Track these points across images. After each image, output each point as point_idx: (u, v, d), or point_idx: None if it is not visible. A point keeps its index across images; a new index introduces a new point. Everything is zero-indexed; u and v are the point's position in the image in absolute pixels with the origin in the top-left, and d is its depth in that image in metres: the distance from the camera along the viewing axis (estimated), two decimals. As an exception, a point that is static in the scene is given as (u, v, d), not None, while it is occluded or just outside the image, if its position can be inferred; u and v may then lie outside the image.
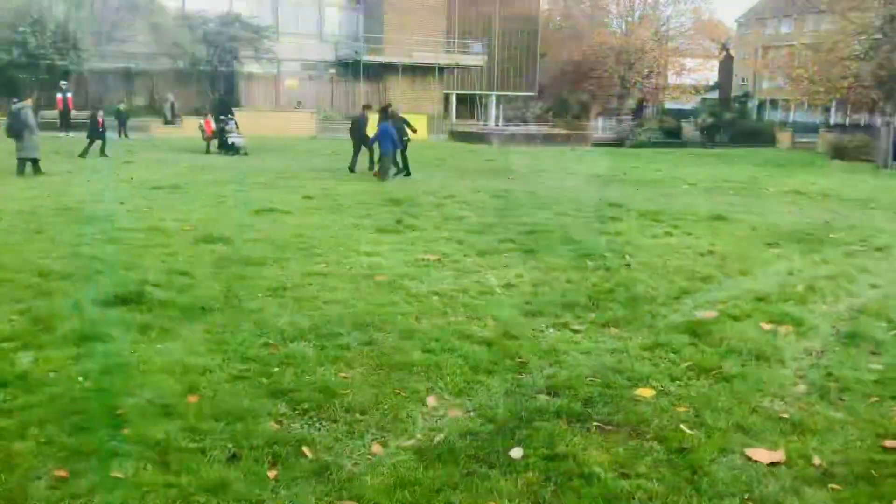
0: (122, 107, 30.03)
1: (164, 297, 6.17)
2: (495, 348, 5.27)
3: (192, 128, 32.37)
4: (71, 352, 4.92)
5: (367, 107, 20.59)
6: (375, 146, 17.12)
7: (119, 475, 3.39)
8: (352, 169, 18.13)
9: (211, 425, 3.92)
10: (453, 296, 6.62)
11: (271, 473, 3.47)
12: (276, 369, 4.71)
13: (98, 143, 20.35)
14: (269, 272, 7.26)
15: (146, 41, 36.44)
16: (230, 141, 22.89)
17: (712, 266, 8.13)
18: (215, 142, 23.34)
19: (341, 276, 7.18)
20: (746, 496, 3.39)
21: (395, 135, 16.33)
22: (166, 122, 32.93)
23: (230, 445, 3.71)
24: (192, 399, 4.23)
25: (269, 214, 10.82)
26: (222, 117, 23.97)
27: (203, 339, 5.25)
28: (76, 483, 3.32)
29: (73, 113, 29.14)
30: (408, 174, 17.41)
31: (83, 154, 19.76)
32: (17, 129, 15.33)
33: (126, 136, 28.58)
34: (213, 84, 38.14)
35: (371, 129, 17.90)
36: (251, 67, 40.20)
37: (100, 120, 20.62)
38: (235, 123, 23.84)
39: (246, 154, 22.51)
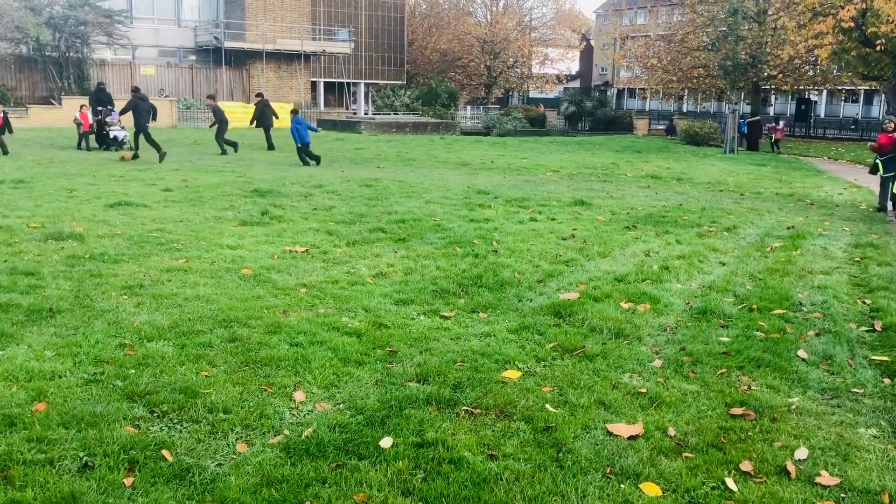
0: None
1: (6, 300, 5.73)
2: (365, 339, 5.22)
3: (40, 118, 30.39)
4: None
5: (258, 95, 24.57)
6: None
7: (-47, 495, 3.12)
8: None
9: (60, 434, 3.67)
10: (322, 287, 6.51)
11: (128, 480, 3.28)
12: (133, 371, 4.47)
13: None
14: (124, 269, 6.89)
15: (-17, 24, 33.71)
16: (112, 134, 21.01)
17: (574, 249, 8.41)
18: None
19: (203, 272, 6.91)
20: (608, 469, 3.51)
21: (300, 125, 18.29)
22: None
23: (82, 454, 3.49)
24: (39, 407, 3.94)
25: (124, 208, 10.27)
26: (101, 109, 21.76)
27: (51, 343, 4.91)
28: None
29: None
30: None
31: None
32: None
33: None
34: (62, 71, 35.81)
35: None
36: (103, 53, 38.04)
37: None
38: (118, 116, 21.51)
39: (130, 148, 20.40)
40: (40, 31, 33.71)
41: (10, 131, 18.97)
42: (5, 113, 19.21)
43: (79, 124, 21.38)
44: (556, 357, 4.99)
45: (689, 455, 3.68)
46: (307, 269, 7.17)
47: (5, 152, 18.05)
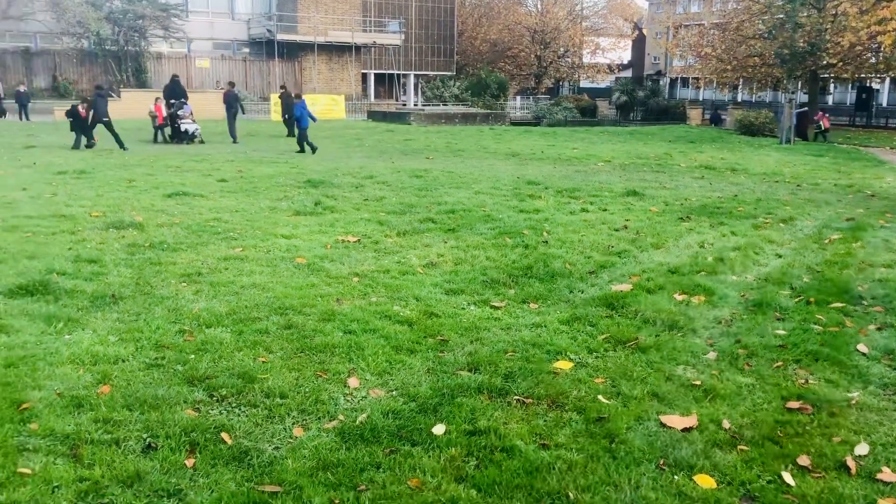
0: (22, 88, 28.66)
1: (72, 286, 5.93)
2: (417, 327, 5.27)
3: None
4: (-29, 346, 4.68)
5: (282, 87, 26.22)
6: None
7: (26, 471, 3.25)
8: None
9: (125, 416, 3.80)
10: (374, 277, 6.58)
11: (189, 461, 3.39)
12: (193, 356, 4.60)
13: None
14: (183, 257, 7.07)
15: (46, 19, 34.80)
16: (183, 128, 20.87)
17: (627, 241, 8.33)
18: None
19: (259, 260, 7.05)
20: (661, 461, 3.49)
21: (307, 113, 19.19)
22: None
23: (145, 435, 3.61)
24: (104, 390, 4.09)
25: (181, 198, 10.51)
26: (174, 101, 21.38)
27: (114, 328, 5.07)
28: (-20, 482, 3.17)
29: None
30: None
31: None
32: None
33: (27, 118, 27.32)
34: (120, 64, 36.73)
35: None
36: (160, 47, 38.89)
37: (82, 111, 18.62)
38: (190, 109, 21.54)
39: (202, 142, 20.67)
40: (101, 25, 34.65)
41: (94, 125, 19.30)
42: (85, 108, 19.32)
43: (153, 117, 21.11)
44: (608, 348, 4.97)
45: (745, 448, 3.64)
46: (359, 259, 7.25)
47: (90, 145, 18.37)
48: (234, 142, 21.23)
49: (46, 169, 13.66)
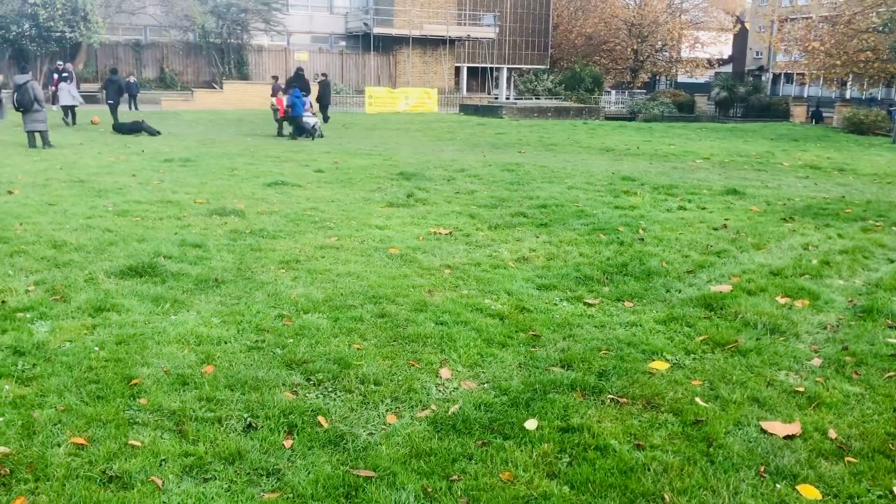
0: (131, 79, 30.00)
1: (177, 270, 6.19)
2: (508, 322, 5.26)
3: (202, 101, 32.40)
4: (87, 322, 4.95)
5: (323, 74, 27.55)
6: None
7: (136, 443, 3.41)
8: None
9: (227, 395, 3.93)
10: (465, 269, 6.60)
11: (287, 442, 3.48)
12: (291, 340, 4.72)
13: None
14: (281, 245, 7.27)
15: (156, 13, 36.39)
16: (302, 120, 20.28)
17: (726, 240, 8.08)
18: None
19: (353, 250, 7.18)
20: (762, 468, 3.38)
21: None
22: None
23: (246, 415, 3.73)
24: (208, 369, 4.24)
25: (280, 188, 10.81)
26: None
27: (217, 311, 5.26)
28: (94, 450, 3.35)
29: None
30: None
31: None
32: (25, 103, 15.37)
33: (136, 108, 28.60)
34: (223, 57, 38.06)
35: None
36: (261, 40, 40.06)
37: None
38: (310, 102, 21.05)
39: (321, 136, 20.23)
40: (206, 19, 35.99)
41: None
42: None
43: (275, 110, 21.06)
44: (706, 350, 4.83)
45: (852, 460, 3.47)
46: (451, 251, 7.29)
47: (152, 133, 19.06)
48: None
49: (153, 156, 14.29)
